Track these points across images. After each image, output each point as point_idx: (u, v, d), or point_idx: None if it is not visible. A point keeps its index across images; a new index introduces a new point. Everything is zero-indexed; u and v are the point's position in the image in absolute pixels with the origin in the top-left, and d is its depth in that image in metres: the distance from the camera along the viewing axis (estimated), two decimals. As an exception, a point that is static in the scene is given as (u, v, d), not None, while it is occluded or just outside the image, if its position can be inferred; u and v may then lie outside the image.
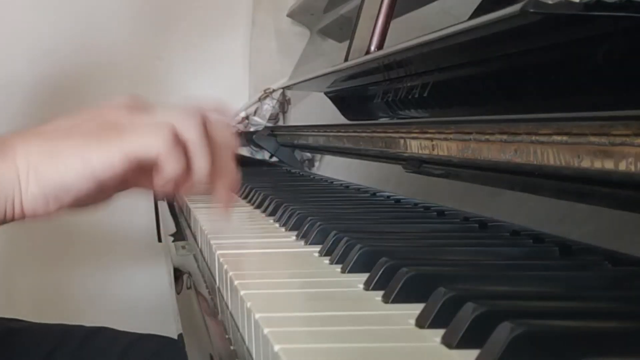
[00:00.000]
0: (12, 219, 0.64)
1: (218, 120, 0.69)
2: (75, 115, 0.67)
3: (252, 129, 1.76)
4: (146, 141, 0.63)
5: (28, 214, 0.64)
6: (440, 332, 0.41)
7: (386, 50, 0.91)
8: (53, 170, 0.62)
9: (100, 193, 0.66)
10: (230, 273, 0.60)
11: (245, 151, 1.74)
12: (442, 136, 0.74)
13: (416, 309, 0.45)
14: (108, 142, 0.63)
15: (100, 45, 1.95)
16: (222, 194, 0.69)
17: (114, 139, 0.63)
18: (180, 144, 0.64)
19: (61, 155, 0.63)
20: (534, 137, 0.57)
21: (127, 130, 0.63)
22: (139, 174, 0.65)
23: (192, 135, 0.65)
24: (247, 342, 0.51)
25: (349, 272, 0.59)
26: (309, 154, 1.62)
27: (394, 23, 0.96)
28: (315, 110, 1.54)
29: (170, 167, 0.63)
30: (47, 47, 1.92)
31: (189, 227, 0.99)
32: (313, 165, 1.62)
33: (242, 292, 0.53)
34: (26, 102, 1.91)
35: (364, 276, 0.55)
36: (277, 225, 0.85)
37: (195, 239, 0.90)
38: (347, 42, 1.07)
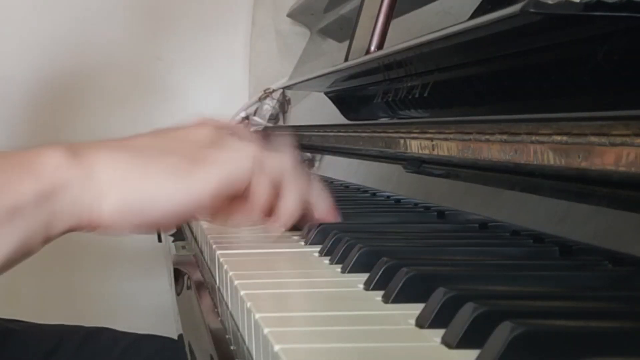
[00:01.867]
0: (87, 228, 0.61)
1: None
2: (157, 135, 0.66)
3: (252, 129, 1.76)
4: (235, 167, 0.63)
5: (104, 225, 0.61)
6: (440, 332, 0.41)
7: (386, 50, 0.91)
8: (144, 187, 0.61)
9: (179, 219, 0.66)
10: (230, 273, 0.60)
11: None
12: (442, 136, 0.74)
13: (416, 309, 0.45)
14: (200, 170, 0.62)
15: (100, 45, 1.95)
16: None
17: (206, 167, 0.62)
18: (265, 169, 0.64)
19: (153, 173, 0.61)
20: (534, 137, 0.57)
21: (216, 160, 0.63)
22: (228, 206, 0.65)
23: (277, 164, 0.65)
24: (247, 342, 0.51)
25: (349, 272, 0.59)
26: (309, 154, 1.62)
27: (394, 23, 0.96)
28: (315, 110, 1.54)
29: (259, 189, 0.64)
30: (45, 47, 1.92)
31: (189, 227, 0.99)
32: (313, 165, 1.62)
33: (242, 292, 0.53)
34: (25, 102, 1.91)
35: (364, 276, 0.55)
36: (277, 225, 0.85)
37: (195, 239, 0.90)
38: (347, 42, 1.07)
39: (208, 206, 0.63)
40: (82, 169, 0.60)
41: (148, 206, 0.60)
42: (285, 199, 0.66)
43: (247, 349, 0.50)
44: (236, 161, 0.63)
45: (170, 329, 1.02)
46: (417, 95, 0.89)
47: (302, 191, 0.67)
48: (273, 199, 0.65)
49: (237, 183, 0.63)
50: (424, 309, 0.44)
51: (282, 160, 0.66)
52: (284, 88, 1.72)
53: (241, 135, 0.68)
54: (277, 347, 0.40)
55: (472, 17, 0.68)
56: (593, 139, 0.50)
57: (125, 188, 0.60)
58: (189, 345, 0.65)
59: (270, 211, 0.66)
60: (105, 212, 0.60)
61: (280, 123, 1.78)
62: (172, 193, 0.61)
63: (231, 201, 0.65)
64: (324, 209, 0.70)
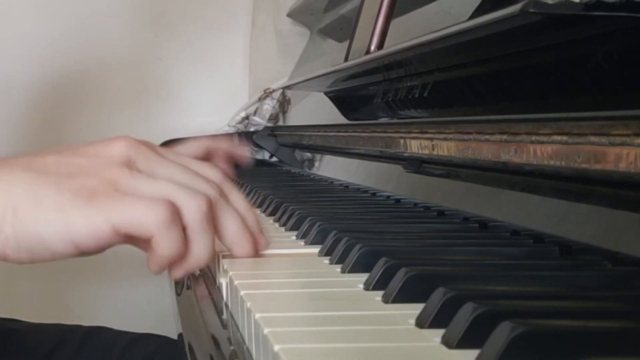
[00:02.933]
0: None
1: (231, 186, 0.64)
2: (70, 152, 0.60)
3: (252, 129, 1.76)
4: (139, 213, 0.56)
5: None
6: (440, 332, 0.41)
7: (386, 50, 0.91)
8: (32, 221, 0.56)
9: (82, 254, 0.59)
10: (231, 273, 0.60)
11: (245, 151, 1.74)
12: (442, 136, 0.74)
13: (416, 309, 0.45)
14: (98, 205, 0.56)
15: (100, 46, 1.95)
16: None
17: (105, 203, 0.56)
18: (178, 223, 0.57)
19: (45, 206, 0.56)
20: (534, 137, 0.57)
21: (122, 195, 0.56)
22: (129, 241, 0.59)
23: (195, 212, 0.58)
24: (247, 342, 0.51)
25: (349, 272, 0.59)
26: (309, 154, 1.62)
27: (394, 23, 0.96)
28: (315, 110, 1.54)
29: (163, 249, 0.57)
30: (46, 48, 1.92)
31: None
32: (313, 165, 1.62)
33: (242, 292, 0.53)
34: (25, 103, 1.91)
35: (364, 276, 0.55)
36: (277, 225, 0.85)
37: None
38: (347, 42, 1.07)
39: (102, 247, 0.57)
40: None
41: (36, 243, 0.56)
42: (195, 251, 0.59)
43: (247, 349, 0.50)
44: (142, 204, 0.56)
45: (170, 329, 1.02)
46: (417, 95, 0.89)
47: (207, 252, 0.59)
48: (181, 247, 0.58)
49: (135, 230, 0.56)
50: (424, 309, 0.44)
51: (200, 208, 0.58)
52: (284, 88, 1.72)
53: (160, 154, 0.61)
54: (277, 347, 0.40)
55: (472, 17, 0.68)
56: (593, 139, 0.50)
57: (17, 221, 0.56)
58: (189, 345, 0.65)
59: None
60: None
61: (280, 123, 1.78)
62: (59, 232, 0.55)
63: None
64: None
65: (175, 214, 0.57)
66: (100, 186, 0.57)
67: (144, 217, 0.55)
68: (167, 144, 1.18)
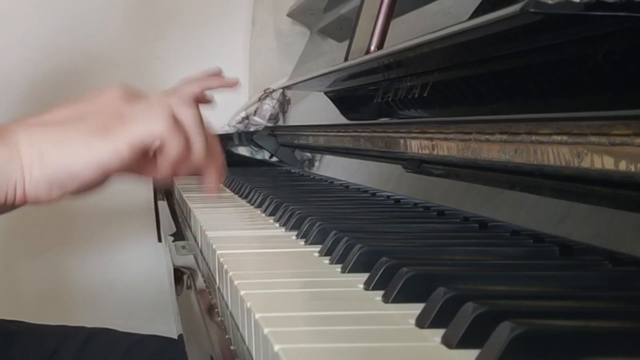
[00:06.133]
0: (13, 204, 0.65)
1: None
2: (72, 105, 0.69)
3: (252, 129, 1.76)
4: (149, 126, 0.66)
5: (30, 199, 0.65)
6: (440, 332, 0.41)
7: (386, 50, 0.91)
8: (60, 158, 0.64)
9: (103, 180, 0.68)
10: (230, 273, 0.60)
11: (245, 151, 1.74)
12: (442, 136, 0.74)
13: (416, 309, 0.45)
14: (114, 132, 0.65)
15: (99, 44, 1.95)
16: (212, 177, 0.72)
17: (119, 128, 0.65)
18: (179, 126, 0.67)
19: (69, 144, 0.64)
20: (534, 137, 0.57)
21: (130, 119, 0.66)
22: (141, 162, 0.68)
23: (189, 117, 0.68)
24: (247, 342, 0.51)
25: (349, 272, 0.59)
26: (309, 154, 1.62)
27: (394, 23, 0.96)
28: (315, 110, 1.54)
29: (172, 147, 0.66)
30: (44, 46, 1.92)
31: (189, 227, 0.99)
32: (313, 165, 1.62)
33: (242, 292, 0.53)
34: (23, 101, 1.91)
35: (364, 276, 0.55)
36: (277, 225, 0.85)
37: (195, 239, 0.90)
38: (347, 42, 1.07)
39: (124, 164, 0.65)
40: (4, 152, 0.64)
41: (67, 176, 0.64)
42: (195, 156, 0.69)
43: (247, 349, 0.50)
44: (148, 119, 0.66)
45: (170, 329, 1.02)
46: (417, 95, 0.89)
47: (203, 149, 0.70)
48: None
49: (150, 140, 0.66)
50: (424, 309, 0.44)
51: (192, 115, 0.69)
52: (284, 88, 1.72)
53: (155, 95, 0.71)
54: (277, 347, 0.40)
55: (472, 17, 0.68)
56: (593, 139, 0.50)
57: (44, 163, 0.64)
58: (189, 345, 0.65)
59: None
60: (29, 188, 0.64)
61: (280, 123, 1.78)
62: (87, 160, 0.64)
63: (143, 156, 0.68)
64: (215, 170, 0.73)
65: (176, 120, 0.67)
66: (110, 119, 0.66)
67: (154, 128, 0.66)
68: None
